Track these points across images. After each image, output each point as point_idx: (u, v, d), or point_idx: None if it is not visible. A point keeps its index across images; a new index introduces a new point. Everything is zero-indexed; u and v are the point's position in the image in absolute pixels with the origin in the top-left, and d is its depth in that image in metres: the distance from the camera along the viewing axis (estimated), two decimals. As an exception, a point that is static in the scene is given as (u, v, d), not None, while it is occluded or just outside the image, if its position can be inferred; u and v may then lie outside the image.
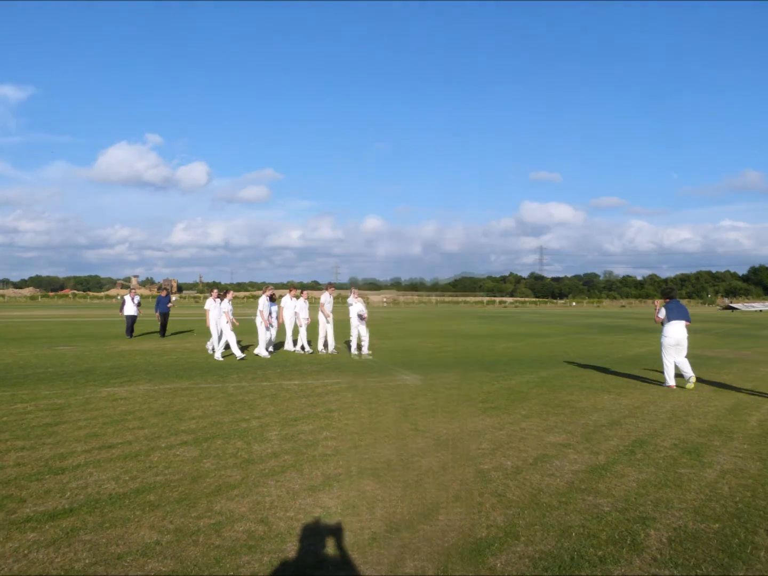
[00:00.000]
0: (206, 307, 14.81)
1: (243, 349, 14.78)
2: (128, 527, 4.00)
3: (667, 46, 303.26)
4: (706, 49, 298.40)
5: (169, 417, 7.31)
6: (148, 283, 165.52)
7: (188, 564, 3.48)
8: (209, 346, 14.89)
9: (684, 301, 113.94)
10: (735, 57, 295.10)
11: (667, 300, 10.58)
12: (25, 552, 3.62)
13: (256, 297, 54.46)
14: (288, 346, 15.38)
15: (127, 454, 5.66)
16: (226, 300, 13.90)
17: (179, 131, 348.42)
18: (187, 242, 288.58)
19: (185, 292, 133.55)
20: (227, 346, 14.03)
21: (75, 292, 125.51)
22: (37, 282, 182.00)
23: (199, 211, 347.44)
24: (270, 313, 14.32)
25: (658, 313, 10.47)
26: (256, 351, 14.32)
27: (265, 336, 14.08)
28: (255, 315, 14.46)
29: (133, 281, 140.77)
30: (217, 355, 13.56)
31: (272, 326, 14.43)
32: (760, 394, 9.56)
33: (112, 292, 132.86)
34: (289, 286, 16.45)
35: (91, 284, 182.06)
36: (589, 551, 3.73)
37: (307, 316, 14.99)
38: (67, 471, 5.15)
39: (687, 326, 10.44)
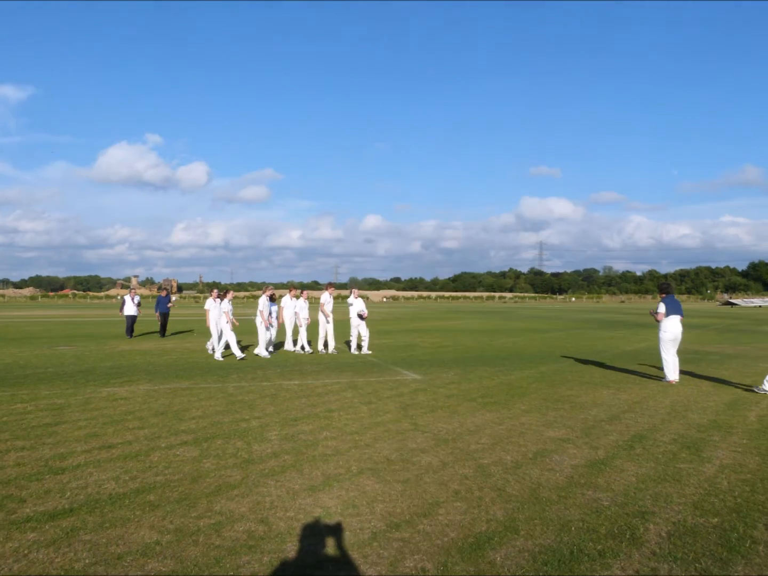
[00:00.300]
0: (206, 307, 14.79)
1: (243, 349, 14.78)
2: (128, 527, 4.00)
3: (667, 41, 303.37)
4: (707, 44, 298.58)
5: (169, 417, 7.32)
6: (148, 283, 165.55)
7: (188, 564, 3.49)
8: (209, 346, 14.88)
9: (683, 297, 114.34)
10: (736, 53, 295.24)
11: (663, 295, 10.60)
12: (25, 552, 3.63)
13: (256, 297, 54.47)
14: (288, 346, 15.37)
15: (127, 454, 5.67)
16: (226, 300, 13.88)
17: (179, 131, 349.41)
18: (187, 242, 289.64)
19: (185, 292, 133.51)
20: (227, 346, 14.03)
21: (75, 292, 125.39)
22: (37, 282, 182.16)
23: (199, 211, 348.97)
24: (270, 313, 14.30)
25: (658, 309, 10.44)
26: (256, 351, 14.31)
27: (265, 336, 14.07)
28: (255, 315, 14.46)
29: (133, 281, 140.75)
30: (217, 355, 13.55)
31: (272, 326, 14.41)
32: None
33: (112, 292, 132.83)
34: (289, 286, 16.44)
35: (91, 284, 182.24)
36: (588, 545, 3.74)
37: (307, 316, 14.99)
38: (67, 471, 5.15)
39: (681, 321, 10.47)
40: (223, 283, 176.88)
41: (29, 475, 5.05)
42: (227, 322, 13.55)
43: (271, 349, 14.52)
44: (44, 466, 5.28)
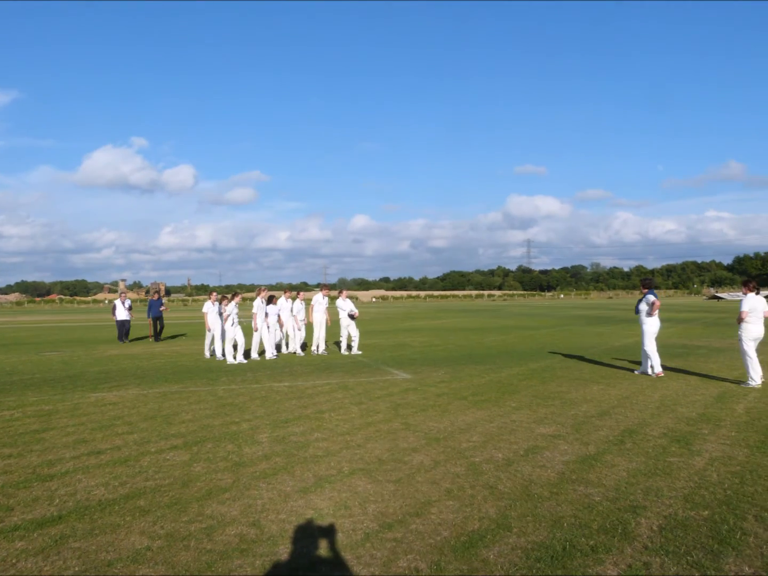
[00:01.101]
0: (204, 310, 14.57)
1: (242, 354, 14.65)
2: (118, 533, 3.96)
3: (651, 39, 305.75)
4: (691, 41, 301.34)
5: (158, 421, 7.26)
6: (135, 286, 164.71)
7: (180, 569, 3.46)
8: (207, 352, 14.52)
9: (670, 292, 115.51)
10: (719, 49, 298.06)
11: (646, 290, 10.69)
12: (13, 561, 3.58)
13: (246, 299, 54.18)
14: (282, 348, 15.24)
15: (117, 460, 5.61)
16: (233, 303, 13.71)
17: (165, 134, 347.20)
18: (174, 245, 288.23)
19: (173, 296, 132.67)
20: (235, 347, 13.75)
21: (62, 297, 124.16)
22: (23, 287, 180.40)
23: (185, 213, 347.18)
24: (266, 315, 14.10)
25: (655, 302, 10.46)
26: (268, 355, 14.00)
27: (257, 338, 13.91)
28: (251, 317, 14.30)
29: (121, 285, 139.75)
30: (230, 359, 13.25)
31: (269, 328, 14.20)
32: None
33: (100, 296, 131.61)
34: (285, 289, 16.32)
35: (78, 289, 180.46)
36: (580, 541, 3.75)
37: (303, 318, 14.93)
38: (56, 478, 5.09)
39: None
40: (211, 285, 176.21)
41: (16, 482, 4.99)
42: (232, 325, 13.38)
43: (275, 351, 14.34)
44: (32, 474, 5.22)
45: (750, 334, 9.31)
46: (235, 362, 13.08)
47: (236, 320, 13.52)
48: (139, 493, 4.71)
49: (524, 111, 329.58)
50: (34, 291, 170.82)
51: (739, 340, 9.46)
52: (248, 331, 14.34)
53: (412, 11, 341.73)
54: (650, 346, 10.38)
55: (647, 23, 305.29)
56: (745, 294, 9.47)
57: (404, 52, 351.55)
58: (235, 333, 13.53)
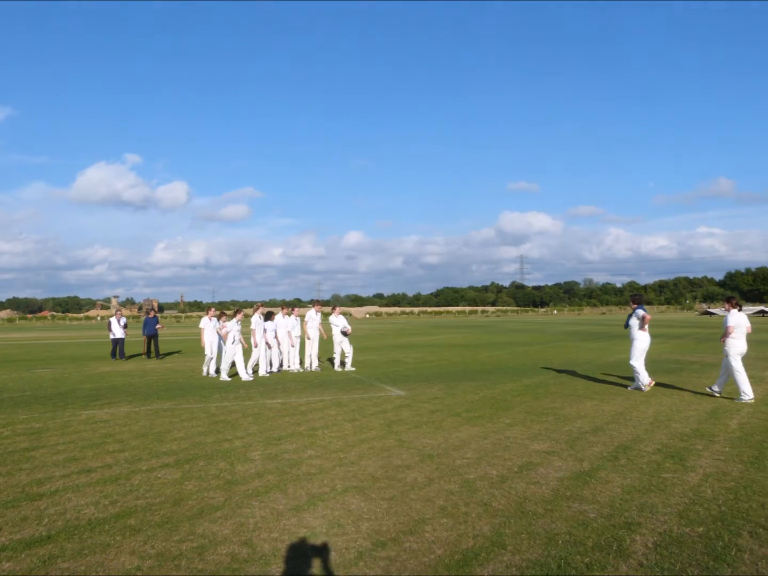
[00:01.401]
0: (201, 326, 14.36)
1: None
2: (108, 553, 3.90)
3: (642, 57, 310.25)
4: (680, 58, 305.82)
5: (150, 439, 7.19)
6: (128, 303, 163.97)
7: (170, 589, 3.41)
8: (205, 369, 14.23)
9: (662, 308, 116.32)
10: (708, 66, 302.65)
11: (635, 306, 10.77)
12: (1, 583, 3.52)
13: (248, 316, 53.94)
14: (284, 365, 15.13)
15: (107, 478, 5.55)
16: (234, 320, 13.55)
17: (158, 151, 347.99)
18: (167, 261, 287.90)
19: (166, 312, 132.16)
20: (233, 365, 13.63)
21: (54, 313, 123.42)
22: (14, 304, 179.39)
23: (179, 230, 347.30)
24: (265, 331, 14.01)
25: (645, 316, 10.56)
26: (261, 372, 13.90)
27: (254, 356, 13.80)
28: (249, 334, 14.21)
29: (114, 301, 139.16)
30: (224, 376, 13.14)
31: (269, 346, 14.11)
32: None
33: (92, 313, 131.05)
34: (282, 305, 16.28)
35: (70, 305, 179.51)
36: (575, 558, 3.72)
37: (299, 334, 14.88)
38: (45, 497, 5.03)
39: None
40: (204, 302, 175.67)
41: (5, 502, 4.92)
42: (233, 342, 13.22)
43: (272, 368, 14.23)
44: (21, 493, 5.15)
45: (737, 349, 9.53)
46: (249, 377, 12.92)
47: (237, 337, 13.36)
48: (129, 512, 4.66)
49: (518, 128, 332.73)
50: (26, 307, 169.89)
51: (727, 356, 9.63)
52: (248, 347, 14.22)
53: (406, 27, 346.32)
54: (638, 362, 10.45)
55: (638, 41, 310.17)
56: (728, 310, 9.79)
57: (398, 71, 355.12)
58: (236, 351, 13.33)
